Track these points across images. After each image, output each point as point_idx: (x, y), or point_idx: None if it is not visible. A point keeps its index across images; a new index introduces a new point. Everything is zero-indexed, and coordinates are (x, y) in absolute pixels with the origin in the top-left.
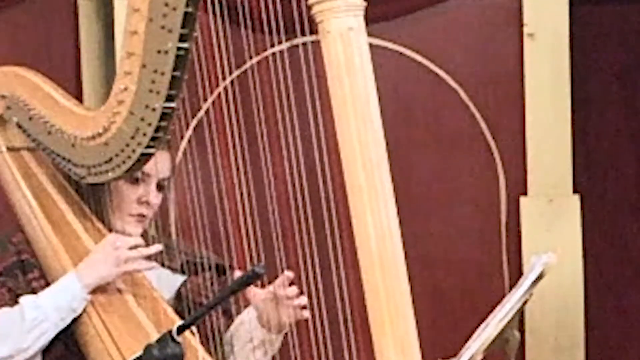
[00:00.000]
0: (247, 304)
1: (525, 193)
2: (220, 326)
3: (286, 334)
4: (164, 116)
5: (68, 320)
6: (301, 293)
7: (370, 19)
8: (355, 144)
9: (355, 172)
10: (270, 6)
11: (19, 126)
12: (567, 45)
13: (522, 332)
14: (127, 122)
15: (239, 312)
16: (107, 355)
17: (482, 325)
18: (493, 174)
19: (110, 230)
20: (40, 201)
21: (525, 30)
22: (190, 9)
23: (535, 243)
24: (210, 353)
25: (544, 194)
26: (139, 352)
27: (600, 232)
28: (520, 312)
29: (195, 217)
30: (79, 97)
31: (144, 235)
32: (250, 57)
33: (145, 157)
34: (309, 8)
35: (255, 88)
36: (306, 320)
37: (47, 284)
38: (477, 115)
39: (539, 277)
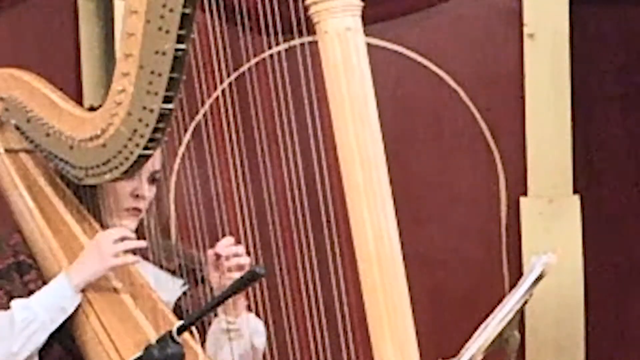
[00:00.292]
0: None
1: (525, 193)
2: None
3: (285, 333)
4: (161, 117)
5: (59, 321)
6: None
7: (371, 19)
8: (353, 144)
9: (353, 172)
10: (268, 7)
11: (17, 128)
12: (567, 45)
13: (522, 332)
14: (124, 124)
15: None
16: (105, 357)
17: (482, 326)
18: (493, 174)
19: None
20: (38, 203)
21: (525, 30)
22: (187, 10)
23: (535, 243)
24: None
25: (544, 194)
26: (139, 353)
27: (600, 232)
28: (520, 312)
29: (193, 219)
30: (79, 97)
31: (139, 229)
32: (248, 59)
33: (143, 159)
34: (306, 8)
35: (253, 89)
36: (305, 321)
37: (44, 286)
38: (477, 116)
39: (539, 278)
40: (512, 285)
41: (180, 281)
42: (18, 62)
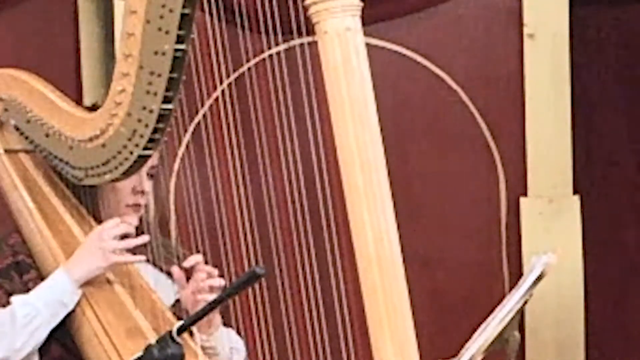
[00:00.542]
0: None
1: (525, 193)
2: None
3: (285, 334)
4: (161, 118)
5: (60, 316)
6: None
7: (371, 20)
8: (353, 145)
9: (352, 173)
10: (267, 7)
11: (17, 128)
12: (567, 46)
13: (522, 332)
14: (124, 124)
15: None
16: (105, 357)
17: (482, 326)
18: (493, 174)
19: None
20: (38, 203)
21: (525, 30)
22: (187, 11)
23: (535, 243)
24: None
25: (544, 194)
26: (139, 353)
27: (600, 232)
28: (520, 313)
29: (193, 219)
30: (79, 97)
31: (138, 227)
32: (248, 59)
33: (143, 159)
34: (305, 9)
35: (252, 90)
36: (304, 322)
37: None
38: (477, 116)
39: (539, 278)
40: (512, 286)
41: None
42: (18, 62)
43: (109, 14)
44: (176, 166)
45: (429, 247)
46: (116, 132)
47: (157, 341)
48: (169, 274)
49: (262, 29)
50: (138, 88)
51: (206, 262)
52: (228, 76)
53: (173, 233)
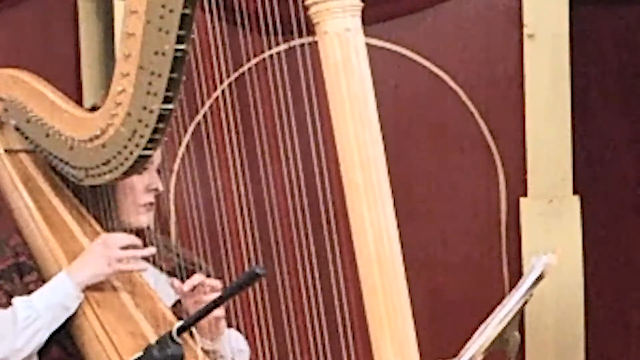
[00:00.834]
0: None
1: (525, 194)
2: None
3: (284, 333)
4: (161, 118)
5: (62, 319)
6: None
7: (371, 20)
8: (353, 144)
9: (352, 173)
10: (268, 7)
11: (17, 129)
12: (567, 46)
13: (522, 332)
14: (124, 124)
15: None
16: (105, 357)
17: (482, 326)
18: (493, 175)
19: (113, 230)
20: (38, 203)
21: (525, 31)
22: (187, 11)
23: (535, 243)
24: None
25: (544, 194)
26: (139, 353)
27: (600, 232)
28: (520, 313)
29: (193, 219)
30: (79, 97)
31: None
32: (248, 59)
33: (143, 159)
34: (306, 9)
35: (253, 90)
36: (304, 321)
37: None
38: (477, 116)
39: (539, 278)
40: (512, 286)
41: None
42: (18, 62)
43: (109, 14)
44: (176, 166)
45: (429, 247)
46: (116, 132)
47: (157, 341)
48: (169, 274)
49: (263, 29)
50: (138, 88)
51: (206, 262)
52: (228, 76)
53: (173, 233)
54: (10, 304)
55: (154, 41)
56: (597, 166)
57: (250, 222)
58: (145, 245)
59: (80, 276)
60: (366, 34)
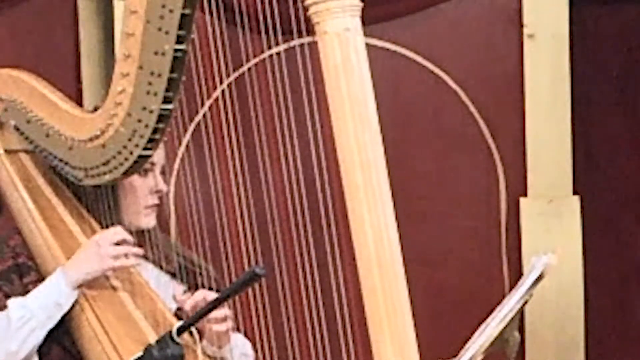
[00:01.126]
0: None
1: (525, 194)
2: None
3: (284, 334)
4: (161, 118)
5: (56, 318)
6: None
7: (370, 20)
8: (353, 145)
9: (352, 173)
10: (267, 7)
11: (17, 129)
12: (567, 46)
13: (522, 332)
14: (124, 124)
15: None
16: (105, 357)
17: (482, 326)
18: (493, 175)
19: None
20: (38, 203)
21: (525, 31)
22: (187, 11)
23: (535, 243)
24: None
25: (544, 194)
26: (139, 353)
27: (600, 232)
28: (520, 313)
29: (193, 219)
30: (79, 97)
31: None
32: (248, 59)
33: (143, 159)
34: (305, 9)
35: (252, 90)
36: (304, 322)
37: None
38: (477, 116)
39: (539, 278)
40: (512, 286)
41: (181, 286)
42: (18, 62)
43: (109, 14)
44: (176, 166)
45: (429, 247)
46: (116, 132)
47: (157, 341)
48: (170, 273)
49: (262, 29)
50: (138, 88)
51: (206, 262)
52: (228, 76)
53: (173, 233)
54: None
55: (154, 41)
56: (597, 166)
57: (250, 222)
58: (144, 246)
59: (74, 275)
60: (366, 34)
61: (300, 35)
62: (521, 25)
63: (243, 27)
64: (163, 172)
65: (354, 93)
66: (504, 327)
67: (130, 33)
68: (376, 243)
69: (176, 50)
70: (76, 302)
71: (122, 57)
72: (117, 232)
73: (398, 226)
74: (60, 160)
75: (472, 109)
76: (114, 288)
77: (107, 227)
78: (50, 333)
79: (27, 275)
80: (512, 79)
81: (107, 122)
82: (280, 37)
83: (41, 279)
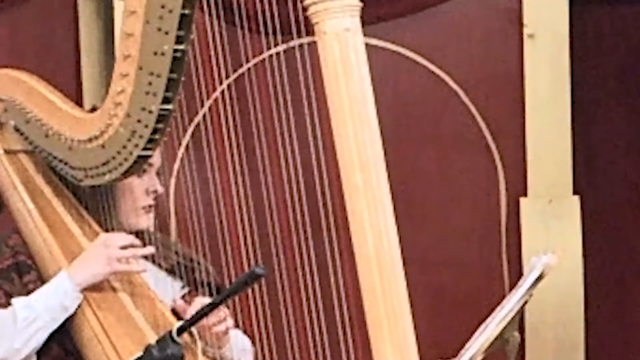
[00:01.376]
0: None
1: (525, 194)
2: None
3: (284, 335)
4: (160, 118)
5: (61, 320)
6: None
7: (371, 20)
8: (352, 145)
9: (352, 173)
10: (267, 8)
11: (16, 129)
12: (567, 46)
13: (522, 332)
14: (123, 125)
15: None
16: (105, 357)
17: (482, 326)
18: (493, 175)
19: (113, 231)
20: (38, 204)
21: (525, 30)
22: (186, 11)
23: (535, 243)
24: None
25: (544, 194)
26: (139, 353)
27: (600, 232)
28: (520, 313)
29: (193, 220)
30: (79, 97)
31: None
32: (247, 60)
33: (142, 159)
34: (305, 9)
35: (252, 90)
36: (304, 323)
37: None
38: (477, 116)
39: (539, 278)
40: (512, 286)
41: (178, 283)
42: (18, 62)
43: (109, 14)
44: (176, 167)
45: (429, 247)
46: (115, 132)
47: (157, 342)
48: (169, 271)
49: (262, 30)
50: (137, 88)
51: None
52: (227, 77)
53: (173, 234)
54: (9, 304)
55: (153, 41)
56: (597, 166)
57: (250, 222)
58: (144, 246)
59: (80, 276)
60: (366, 34)
61: (299, 36)
62: (521, 25)
63: (243, 28)
64: (158, 173)
65: (354, 93)
66: (504, 327)
67: (129, 33)
68: (376, 243)
69: (176, 51)
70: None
71: (121, 58)
72: (125, 237)
73: (398, 226)
74: (60, 161)
75: (472, 109)
76: (113, 289)
77: (106, 227)
78: (50, 333)
79: (26, 273)
80: (512, 79)
81: (107, 122)
82: (279, 38)
83: (41, 278)
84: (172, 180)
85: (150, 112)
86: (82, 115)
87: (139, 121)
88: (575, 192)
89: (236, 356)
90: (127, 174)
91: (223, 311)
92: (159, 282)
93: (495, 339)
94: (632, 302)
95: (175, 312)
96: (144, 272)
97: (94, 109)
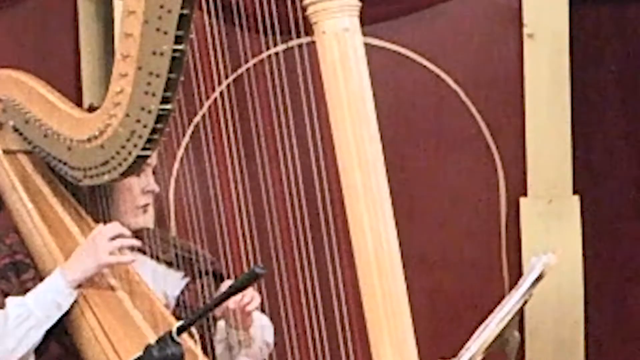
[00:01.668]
0: None
1: (525, 194)
2: (211, 327)
3: (284, 335)
4: (159, 118)
5: (55, 318)
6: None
7: (371, 20)
8: (351, 144)
9: (351, 173)
10: (266, 7)
11: (15, 129)
12: (567, 46)
13: (522, 332)
14: (123, 125)
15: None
16: (103, 356)
17: (482, 326)
18: (493, 175)
19: None
20: (36, 203)
21: (525, 30)
22: (185, 11)
23: (535, 243)
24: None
25: (544, 194)
26: (139, 353)
27: (600, 232)
28: (520, 313)
29: (192, 219)
30: (79, 97)
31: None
32: (247, 60)
33: (141, 159)
34: (304, 9)
35: (251, 90)
36: (303, 322)
37: None
38: (477, 116)
39: (539, 278)
40: (512, 286)
41: (178, 273)
42: (18, 62)
43: (109, 14)
44: (175, 166)
45: (429, 247)
46: (115, 132)
47: (157, 341)
48: (166, 263)
49: (261, 29)
50: (136, 88)
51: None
52: (227, 77)
53: (173, 233)
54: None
55: (152, 41)
56: (597, 166)
57: (249, 222)
58: (143, 242)
59: (72, 274)
60: (365, 34)
61: (299, 36)
62: (521, 25)
63: (242, 28)
64: (154, 172)
65: (353, 93)
66: (504, 327)
67: (128, 33)
68: (375, 243)
69: (175, 51)
70: (75, 303)
71: (120, 58)
72: (113, 227)
73: (397, 226)
74: (59, 161)
75: (472, 109)
76: (112, 289)
77: None
78: (49, 331)
79: (24, 272)
80: (511, 79)
81: (106, 122)
82: (279, 38)
83: (39, 276)
84: (172, 180)
85: (150, 112)
86: (81, 115)
87: (138, 121)
88: (575, 192)
89: (260, 333)
90: (126, 174)
91: (250, 291)
92: (157, 276)
93: (495, 339)
94: (632, 302)
95: (175, 312)
96: (135, 264)
97: (90, 108)
